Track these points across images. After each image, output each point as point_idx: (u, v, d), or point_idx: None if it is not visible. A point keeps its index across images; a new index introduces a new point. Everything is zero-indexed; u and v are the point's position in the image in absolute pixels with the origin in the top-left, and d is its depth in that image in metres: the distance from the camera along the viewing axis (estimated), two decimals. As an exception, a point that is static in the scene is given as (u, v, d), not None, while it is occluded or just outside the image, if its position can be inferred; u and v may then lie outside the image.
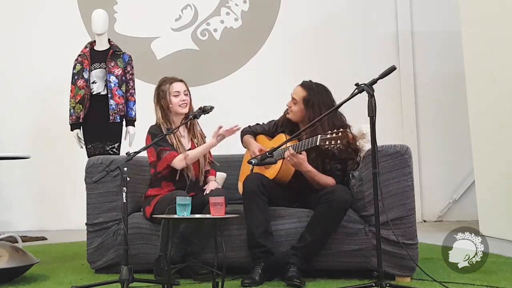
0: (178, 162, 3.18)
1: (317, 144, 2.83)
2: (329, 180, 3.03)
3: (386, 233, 2.83)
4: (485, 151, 4.91)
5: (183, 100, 3.31)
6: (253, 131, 3.42)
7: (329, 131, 2.81)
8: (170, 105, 3.31)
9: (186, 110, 3.32)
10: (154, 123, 3.39)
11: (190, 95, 3.38)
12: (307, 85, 3.16)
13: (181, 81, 3.38)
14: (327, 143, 2.78)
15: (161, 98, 3.34)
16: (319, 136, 2.83)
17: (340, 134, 2.75)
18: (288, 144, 3.01)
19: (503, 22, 4.57)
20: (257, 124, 3.47)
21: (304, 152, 2.95)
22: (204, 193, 3.19)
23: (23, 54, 6.45)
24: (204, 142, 3.35)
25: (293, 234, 3.00)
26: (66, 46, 6.04)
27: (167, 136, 3.20)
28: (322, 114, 2.95)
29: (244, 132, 3.43)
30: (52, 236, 5.49)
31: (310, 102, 3.09)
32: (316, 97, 3.09)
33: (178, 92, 3.32)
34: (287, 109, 3.23)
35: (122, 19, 6.48)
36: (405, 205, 2.89)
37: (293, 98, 3.17)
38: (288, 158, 2.95)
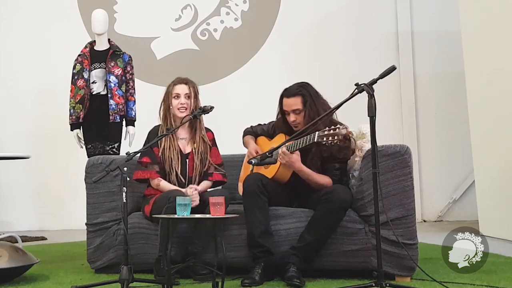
0: (153, 184, 3.23)
1: (315, 140, 2.83)
2: (325, 180, 3.03)
3: (386, 233, 2.83)
4: (485, 151, 4.91)
5: (182, 104, 3.27)
6: (254, 132, 3.43)
7: (327, 127, 2.82)
8: (170, 107, 3.31)
9: (183, 114, 3.26)
10: (154, 122, 3.41)
11: (195, 97, 3.31)
12: (295, 91, 3.11)
13: (185, 83, 3.32)
14: (324, 139, 2.79)
15: (165, 98, 3.34)
16: (317, 132, 2.84)
17: (336, 130, 2.77)
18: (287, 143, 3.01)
19: (503, 22, 4.56)
20: (259, 124, 3.47)
21: (297, 152, 2.95)
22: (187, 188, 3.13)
23: (23, 54, 6.46)
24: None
25: (293, 234, 3.00)
26: (66, 46, 6.05)
27: (163, 139, 3.21)
28: (318, 109, 3.01)
29: (245, 133, 3.45)
30: (52, 236, 5.49)
31: (308, 103, 3.09)
32: (308, 95, 3.10)
33: (178, 94, 3.29)
34: (280, 114, 3.20)
35: (122, 19, 6.48)
36: (405, 205, 2.89)
37: (294, 110, 3.10)
38: (280, 157, 2.95)
